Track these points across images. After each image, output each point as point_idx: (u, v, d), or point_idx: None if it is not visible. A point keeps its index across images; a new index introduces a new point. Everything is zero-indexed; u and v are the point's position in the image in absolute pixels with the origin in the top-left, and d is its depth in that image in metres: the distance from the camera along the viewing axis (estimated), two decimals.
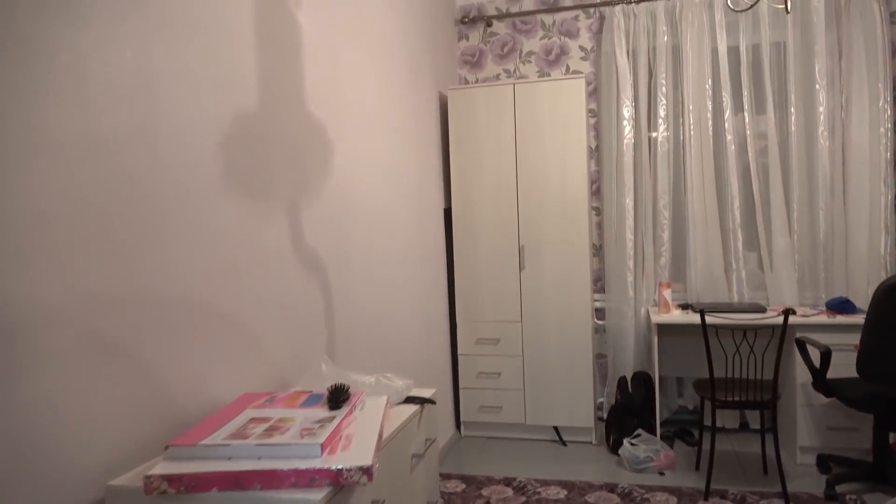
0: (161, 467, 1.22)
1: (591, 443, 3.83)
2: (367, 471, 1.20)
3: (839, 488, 3.04)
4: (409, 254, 3.28)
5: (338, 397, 1.55)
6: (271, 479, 1.19)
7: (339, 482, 1.20)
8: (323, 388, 1.68)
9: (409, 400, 1.78)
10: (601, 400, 4.20)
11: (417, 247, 3.43)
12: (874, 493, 2.99)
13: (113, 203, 1.36)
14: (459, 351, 3.98)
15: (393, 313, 3.03)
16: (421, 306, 3.45)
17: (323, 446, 1.25)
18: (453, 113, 3.90)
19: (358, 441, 1.34)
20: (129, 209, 1.40)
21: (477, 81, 4.45)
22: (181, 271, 1.56)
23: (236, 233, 1.80)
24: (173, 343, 1.53)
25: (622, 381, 3.89)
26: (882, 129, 3.68)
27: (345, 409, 1.49)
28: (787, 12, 2.14)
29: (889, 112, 3.68)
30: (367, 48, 2.82)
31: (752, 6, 2.34)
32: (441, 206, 3.91)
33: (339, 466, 1.20)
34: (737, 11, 2.58)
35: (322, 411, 1.49)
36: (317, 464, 1.21)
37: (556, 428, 3.89)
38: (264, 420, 1.43)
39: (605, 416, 4.10)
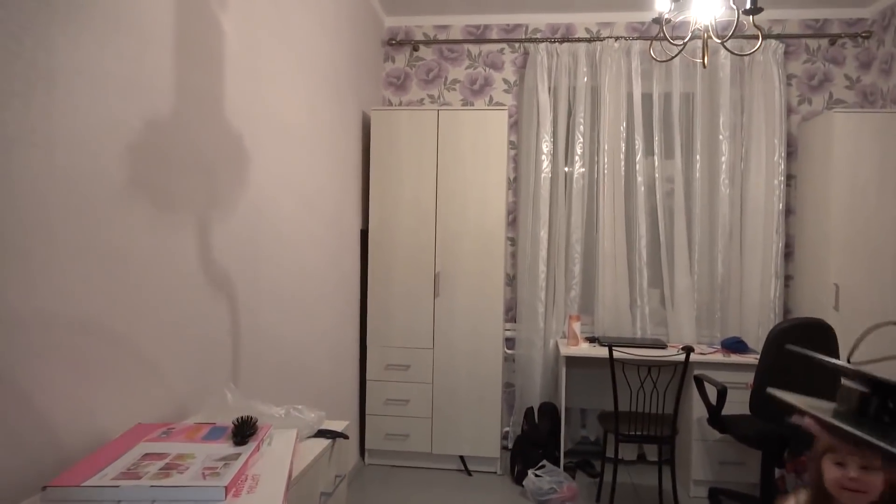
0: None
1: (496, 473, 3.82)
2: None
3: None
4: (321, 275, 3.17)
5: (244, 431, 1.43)
6: None
7: None
8: (227, 420, 1.56)
9: (321, 434, 1.68)
10: (507, 429, 4.22)
11: (331, 268, 3.32)
12: None
13: None
14: (368, 376, 3.88)
15: (302, 337, 2.91)
16: (332, 330, 3.34)
17: (227, 489, 1.15)
18: (376, 134, 3.85)
19: (265, 482, 1.24)
20: (14, 216, 1.25)
21: (401, 104, 4.43)
22: (71, 287, 1.41)
23: (138, 247, 1.65)
24: (56, 367, 1.37)
25: (528, 412, 3.92)
26: (776, 181, 3.96)
27: (251, 446, 1.38)
28: (704, 67, 2.24)
29: (783, 166, 3.97)
30: (291, 60, 2.72)
31: (672, 58, 2.45)
32: (358, 227, 3.83)
33: None
34: (659, 62, 2.69)
35: (226, 447, 1.38)
36: None
37: (461, 457, 3.85)
38: (160, 456, 1.30)
39: (510, 445, 4.11)
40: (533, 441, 3.73)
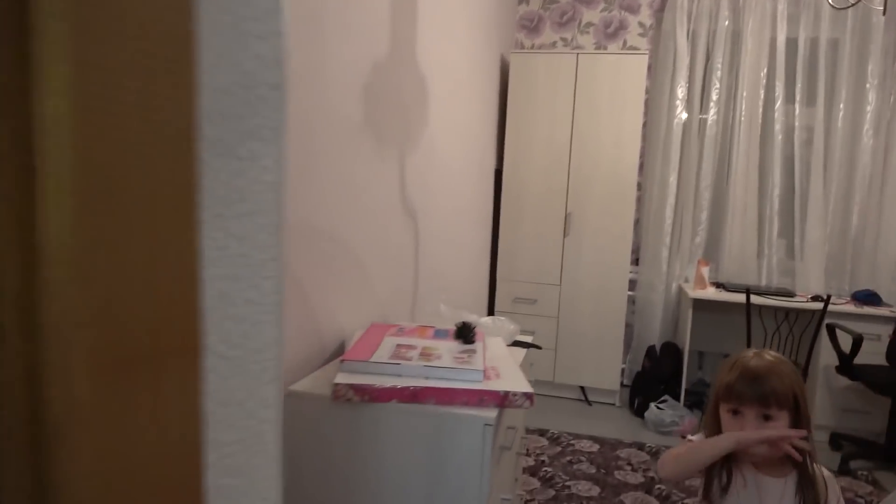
0: (343, 377, 1.36)
1: (615, 405, 4.04)
2: (529, 396, 1.36)
3: (852, 464, 3.27)
4: (467, 210, 3.41)
5: (467, 334, 1.69)
6: (444, 396, 1.34)
7: (504, 404, 1.35)
8: (442, 326, 1.83)
9: (517, 343, 1.93)
10: (623, 366, 4.41)
11: (473, 204, 3.55)
12: (885, 472, 3.23)
13: (288, 135, 1.47)
14: (497, 308, 4.14)
15: (454, 265, 3.17)
16: (470, 260, 3.59)
17: (483, 372, 1.40)
18: (514, 77, 3.98)
19: (505, 372, 1.49)
20: (301, 145, 1.51)
21: (533, 47, 4.51)
22: (324, 205, 1.68)
23: (365, 175, 1.91)
24: (320, 272, 1.66)
25: (650, 350, 4.09)
26: None
27: (479, 344, 1.63)
28: (884, 13, 2.25)
29: None
30: (455, 4, 2.88)
31: (852, 5, 2.45)
32: (493, 166, 4.02)
33: (507, 390, 1.35)
34: (837, 9, 2.67)
35: (457, 344, 1.63)
36: (483, 386, 1.36)
37: (582, 388, 4.09)
38: (411, 347, 1.57)
39: (626, 381, 4.31)
40: (655, 376, 3.91)
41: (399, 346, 1.58)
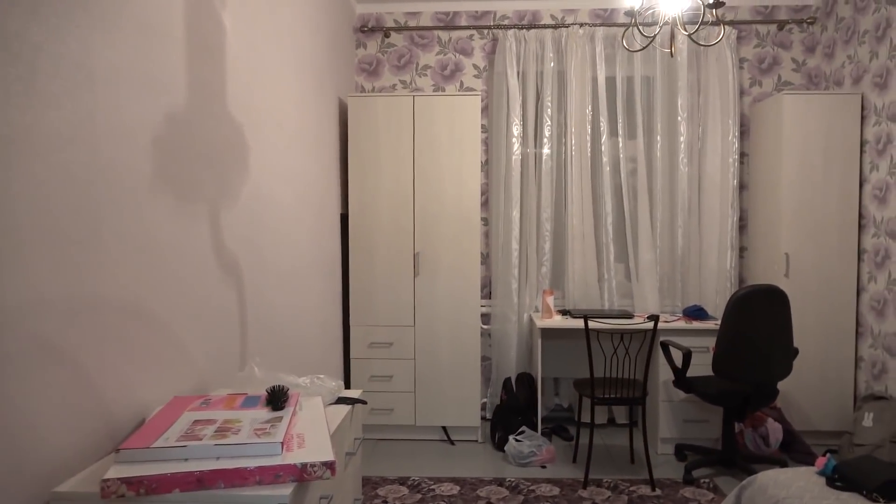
0: (115, 470, 1.20)
1: (477, 441, 4.03)
2: (330, 465, 1.27)
3: (695, 473, 3.46)
4: (309, 259, 3.30)
5: (278, 399, 1.58)
6: (235, 478, 1.22)
7: (303, 478, 1.25)
8: (255, 391, 1.71)
9: (341, 401, 1.84)
10: (484, 400, 4.43)
11: (316, 251, 3.45)
12: (723, 477, 3.45)
13: (57, 201, 1.31)
14: (352, 355, 4.02)
15: (296, 318, 3.04)
16: (319, 311, 3.47)
17: (283, 444, 1.30)
18: (353, 120, 3.96)
19: (310, 439, 1.40)
20: (70, 208, 1.36)
21: (373, 90, 4.54)
22: (115, 273, 1.52)
23: (165, 235, 1.77)
24: (107, 347, 1.49)
25: (507, 382, 4.14)
26: (731, 159, 4.25)
27: (289, 410, 1.53)
28: (672, 55, 2.45)
29: (737, 144, 4.25)
30: (278, 51, 2.82)
31: (644, 48, 2.65)
32: (338, 211, 3.95)
33: (304, 461, 1.25)
34: (631, 51, 2.88)
35: (265, 413, 1.52)
36: (279, 461, 1.25)
37: (444, 428, 4.05)
38: (210, 422, 1.43)
39: (488, 415, 4.34)
40: (512, 409, 3.95)
41: (196, 422, 1.44)
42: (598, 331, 3.34)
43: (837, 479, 2.27)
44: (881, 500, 2.11)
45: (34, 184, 1.25)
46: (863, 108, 3.83)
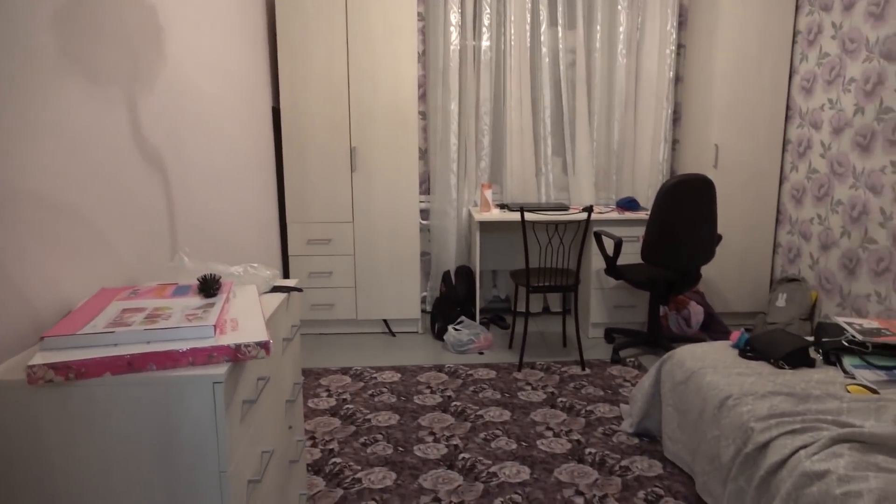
0: (41, 357, 1.18)
1: (417, 332, 4.15)
2: (264, 345, 1.28)
3: (622, 353, 3.69)
4: (240, 153, 3.18)
5: (210, 287, 1.56)
6: (167, 360, 1.22)
7: (237, 358, 1.26)
8: (186, 281, 1.68)
9: (276, 289, 1.83)
10: (424, 293, 4.53)
11: (248, 146, 3.32)
12: (648, 356, 3.69)
13: None
14: (290, 252, 4.00)
15: (228, 213, 2.96)
16: (253, 207, 3.39)
17: (215, 327, 1.30)
18: (282, 9, 3.71)
19: (244, 323, 1.40)
20: None
21: None
22: (27, 162, 1.42)
23: (79, 120, 1.65)
24: (25, 240, 1.42)
25: (446, 275, 4.22)
26: (668, 51, 4.24)
27: (221, 297, 1.51)
28: None
29: (674, 36, 4.23)
30: None
31: None
32: (269, 104, 3.78)
33: (238, 342, 1.26)
34: None
35: (197, 300, 1.50)
36: (213, 343, 1.25)
37: (385, 321, 4.14)
38: (139, 310, 1.41)
39: (428, 308, 4.45)
40: (451, 301, 4.06)
41: (125, 310, 1.41)
42: (534, 223, 3.40)
43: (749, 350, 2.46)
44: (786, 366, 2.31)
45: None
46: None
